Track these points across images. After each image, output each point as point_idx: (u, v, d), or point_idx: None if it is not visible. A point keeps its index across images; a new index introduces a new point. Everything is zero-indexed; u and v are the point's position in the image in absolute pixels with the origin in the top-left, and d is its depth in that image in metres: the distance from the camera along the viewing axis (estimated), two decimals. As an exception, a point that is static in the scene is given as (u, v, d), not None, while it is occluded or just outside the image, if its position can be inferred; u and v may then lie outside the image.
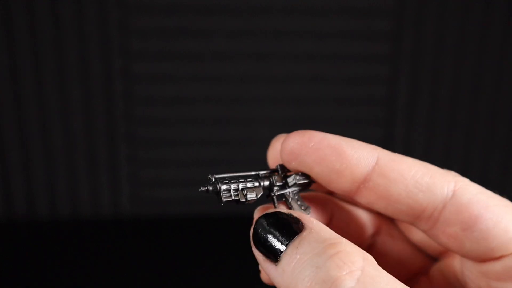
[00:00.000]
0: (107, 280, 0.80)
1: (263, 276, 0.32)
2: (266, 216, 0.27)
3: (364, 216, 0.34)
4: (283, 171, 0.30)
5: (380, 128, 0.91)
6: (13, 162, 0.87)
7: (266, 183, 0.30)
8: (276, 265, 0.25)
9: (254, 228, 0.27)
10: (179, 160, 0.89)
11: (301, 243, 0.25)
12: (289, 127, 0.90)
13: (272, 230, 0.26)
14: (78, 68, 0.84)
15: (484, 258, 0.29)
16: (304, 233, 0.25)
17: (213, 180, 0.29)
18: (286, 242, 0.25)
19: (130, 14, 0.83)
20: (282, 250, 0.25)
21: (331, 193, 0.34)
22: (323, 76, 0.88)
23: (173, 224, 0.90)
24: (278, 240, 0.26)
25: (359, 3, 0.85)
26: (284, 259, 0.25)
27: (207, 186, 0.29)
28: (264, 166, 0.94)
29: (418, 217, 0.29)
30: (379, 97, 0.90)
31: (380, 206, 0.29)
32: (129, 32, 0.83)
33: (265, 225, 0.26)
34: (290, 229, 0.26)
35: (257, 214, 0.29)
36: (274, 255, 0.25)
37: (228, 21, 0.84)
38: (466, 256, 0.29)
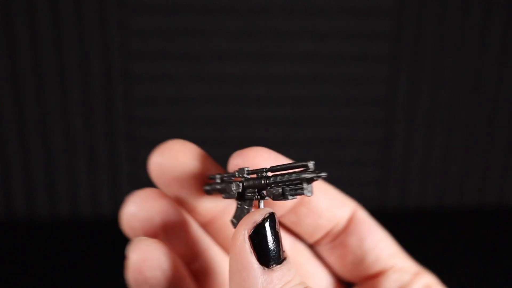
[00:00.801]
0: (107, 280, 0.80)
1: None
2: (272, 217, 0.27)
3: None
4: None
5: (380, 128, 0.91)
6: (13, 162, 0.87)
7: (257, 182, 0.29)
8: (263, 269, 0.26)
9: (263, 222, 0.26)
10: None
11: (291, 270, 0.26)
12: (289, 127, 0.90)
13: (273, 235, 0.26)
14: (78, 68, 0.84)
15: (361, 276, 0.34)
16: (289, 259, 0.27)
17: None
18: (279, 257, 0.26)
19: (130, 14, 0.83)
20: (277, 261, 0.26)
21: None
22: (323, 76, 0.88)
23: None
24: (275, 249, 0.26)
25: (359, 3, 0.85)
26: (278, 273, 0.26)
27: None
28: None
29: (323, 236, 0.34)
30: (379, 97, 0.90)
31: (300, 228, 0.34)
32: (129, 32, 0.83)
33: (270, 227, 0.26)
34: (280, 242, 0.27)
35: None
36: (266, 260, 0.26)
37: (228, 21, 0.84)
38: (348, 278, 0.34)
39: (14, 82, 0.84)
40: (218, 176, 0.30)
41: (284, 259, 0.26)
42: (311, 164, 0.28)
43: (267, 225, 0.26)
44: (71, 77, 0.84)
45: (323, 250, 0.34)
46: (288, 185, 0.28)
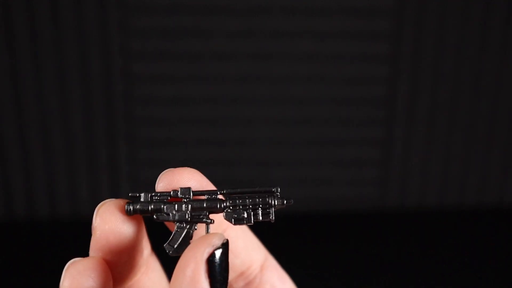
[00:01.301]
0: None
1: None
2: (228, 245, 0.25)
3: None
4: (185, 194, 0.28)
5: (380, 128, 0.91)
6: (13, 162, 0.87)
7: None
8: None
9: (222, 250, 0.24)
10: (179, 160, 0.89)
11: None
12: (289, 127, 0.90)
13: (227, 263, 0.25)
14: (78, 68, 0.84)
15: None
16: None
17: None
18: (226, 284, 0.25)
19: (130, 14, 0.83)
20: None
21: None
22: (323, 76, 0.88)
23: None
24: (226, 279, 0.25)
25: (359, 3, 0.85)
26: None
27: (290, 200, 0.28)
28: (263, 167, 0.94)
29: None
30: (379, 97, 0.90)
31: None
32: (129, 32, 0.83)
33: (226, 254, 0.25)
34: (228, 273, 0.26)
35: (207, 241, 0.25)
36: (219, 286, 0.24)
37: (228, 21, 0.84)
38: None
39: (14, 82, 0.84)
40: (143, 195, 0.28)
41: None
42: (278, 190, 0.27)
43: (223, 251, 0.24)
44: (71, 77, 0.84)
45: None
46: (252, 209, 0.27)
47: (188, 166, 0.28)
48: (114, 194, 0.90)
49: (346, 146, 0.91)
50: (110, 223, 0.29)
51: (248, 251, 0.31)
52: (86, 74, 0.84)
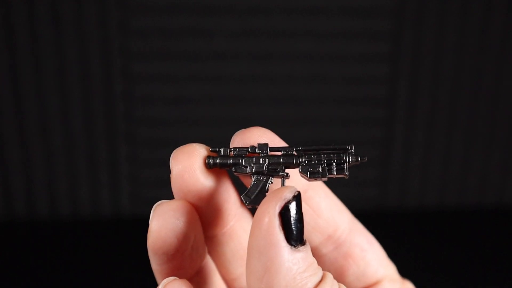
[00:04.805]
0: (107, 279, 0.80)
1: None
2: (300, 196, 0.26)
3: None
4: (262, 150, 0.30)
5: (380, 128, 0.91)
6: (13, 162, 0.87)
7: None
8: (291, 248, 0.25)
9: (293, 200, 0.25)
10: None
11: (310, 252, 0.26)
12: (289, 127, 0.90)
13: (300, 214, 0.25)
14: (78, 68, 0.84)
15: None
16: (308, 242, 0.26)
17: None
18: (302, 238, 0.25)
19: (130, 14, 0.83)
20: (302, 242, 0.25)
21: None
22: (323, 76, 0.88)
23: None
24: (301, 229, 0.25)
25: (359, 3, 0.85)
26: (303, 254, 0.25)
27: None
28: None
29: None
30: (379, 97, 0.90)
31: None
32: (129, 32, 0.83)
33: (298, 206, 0.25)
34: (303, 222, 0.26)
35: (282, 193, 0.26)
36: (292, 239, 0.25)
37: (228, 21, 0.84)
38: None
39: (14, 82, 0.84)
40: (222, 149, 0.30)
41: (305, 241, 0.26)
42: (352, 147, 0.29)
43: (296, 203, 0.25)
44: (71, 77, 0.84)
45: (325, 259, 0.34)
46: (327, 165, 0.28)
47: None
48: (114, 194, 0.90)
49: (346, 146, 0.91)
50: (183, 162, 0.31)
51: (331, 212, 0.32)
52: (86, 74, 0.84)
